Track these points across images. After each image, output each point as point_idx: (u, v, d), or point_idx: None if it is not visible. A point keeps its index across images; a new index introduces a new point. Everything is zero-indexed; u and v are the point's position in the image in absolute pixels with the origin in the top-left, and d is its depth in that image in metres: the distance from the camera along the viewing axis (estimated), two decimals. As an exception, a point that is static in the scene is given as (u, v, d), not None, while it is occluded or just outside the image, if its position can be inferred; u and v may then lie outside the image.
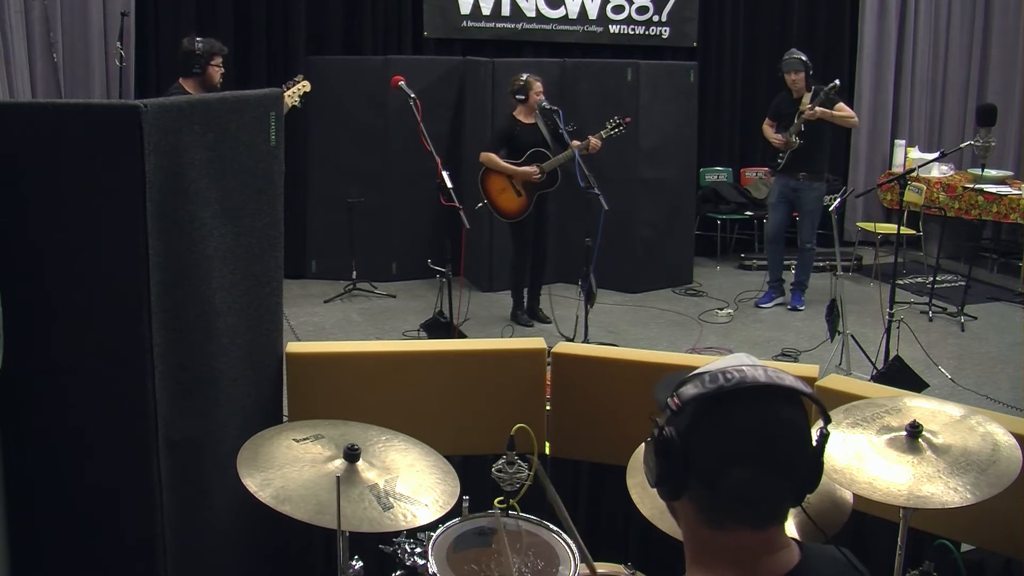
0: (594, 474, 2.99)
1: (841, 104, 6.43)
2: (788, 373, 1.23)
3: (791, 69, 6.48)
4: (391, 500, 2.03)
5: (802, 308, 6.75)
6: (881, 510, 2.30)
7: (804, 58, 6.47)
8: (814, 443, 1.25)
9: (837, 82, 6.32)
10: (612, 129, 5.96)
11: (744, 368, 1.20)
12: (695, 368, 1.28)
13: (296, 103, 5.24)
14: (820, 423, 1.28)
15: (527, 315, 6.45)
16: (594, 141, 5.91)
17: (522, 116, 6.17)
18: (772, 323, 6.57)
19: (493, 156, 6.15)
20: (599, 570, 2.24)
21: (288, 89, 5.26)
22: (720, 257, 8.47)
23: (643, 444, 2.13)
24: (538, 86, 6.08)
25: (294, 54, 7.38)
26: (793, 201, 6.68)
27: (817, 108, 6.30)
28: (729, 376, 1.19)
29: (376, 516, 1.98)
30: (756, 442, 1.19)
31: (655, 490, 1.27)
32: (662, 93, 7.29)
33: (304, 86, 5.36)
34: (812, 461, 1.24)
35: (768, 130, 6.75)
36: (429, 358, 2.98)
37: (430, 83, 7.17)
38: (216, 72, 5.16)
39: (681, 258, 7.69)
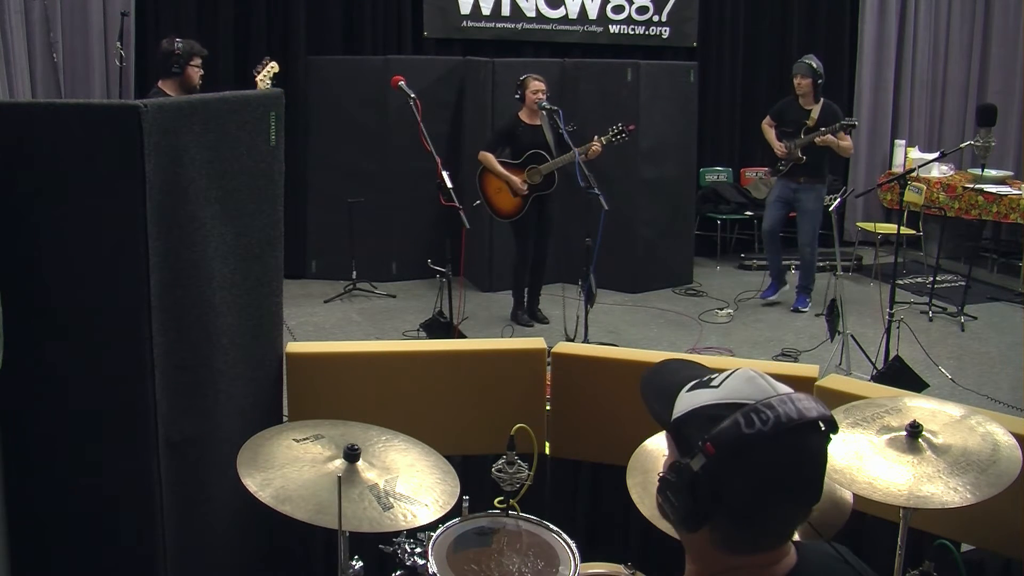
0: (594, 474, 2.99)
1: (844, 133, 6.42)
2: (811, 397, 1.22)
3: (799, 73, 6.45)
4: (391, 500, 2.03)
5: (804, 310, 6.73)
6: (881, 510, 2.30)
7: (815, 65, 6.43)
8: None
9: (855, 123, 6.36)
10: (614, 135, 5.96)
11: (773, 404, 1.18)
12: (685, 361, 1.27)
13: (268, 86, 5.18)
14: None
15: (527, 315, 6.45)
16: (595, 147, 5.90)
17: (525, 116, 6.17)
18: (772, 323, 6.57)
19: (489, 156, 6.15)
20: (599, 570, 2.24)
21: (259, 74, 5.25)
22: (720, 257, 8.47)
23: (643, 444, 2.15)
24: (535, 84, 6.06)
25: (294, 54, 7.37)
26: (791, 202, 6.68)
27: (828, 136, 6.29)
28: (764, 417, 1.16)
29: (376, 516, 1.98)
30: (792, 480, 1.19)
31: (671, 523, 1.26)
32: (662, 93, 7.29)
33: (273, 67, 5.33)
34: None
35: (768, 131, 6.72)
36: (429, 358, 2.98)
37: (430, 83, 7.17)
38: (195, 73, 5.09)
39: (681, 258, 7.69)
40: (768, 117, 6.79)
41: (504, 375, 2.85)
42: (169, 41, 5.11)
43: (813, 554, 1.29)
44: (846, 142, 6.41)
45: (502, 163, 6.15)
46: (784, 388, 1.22)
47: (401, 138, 6.92)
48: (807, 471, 1.20)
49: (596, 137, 5.93)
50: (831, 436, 1.23)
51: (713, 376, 1.27)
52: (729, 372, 1.26)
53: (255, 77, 5.16)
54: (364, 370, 2.85)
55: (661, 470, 1.27)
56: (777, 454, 1.17)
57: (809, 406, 1.19)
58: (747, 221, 8.48)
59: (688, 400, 1.26)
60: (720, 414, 1.19)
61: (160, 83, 5.13)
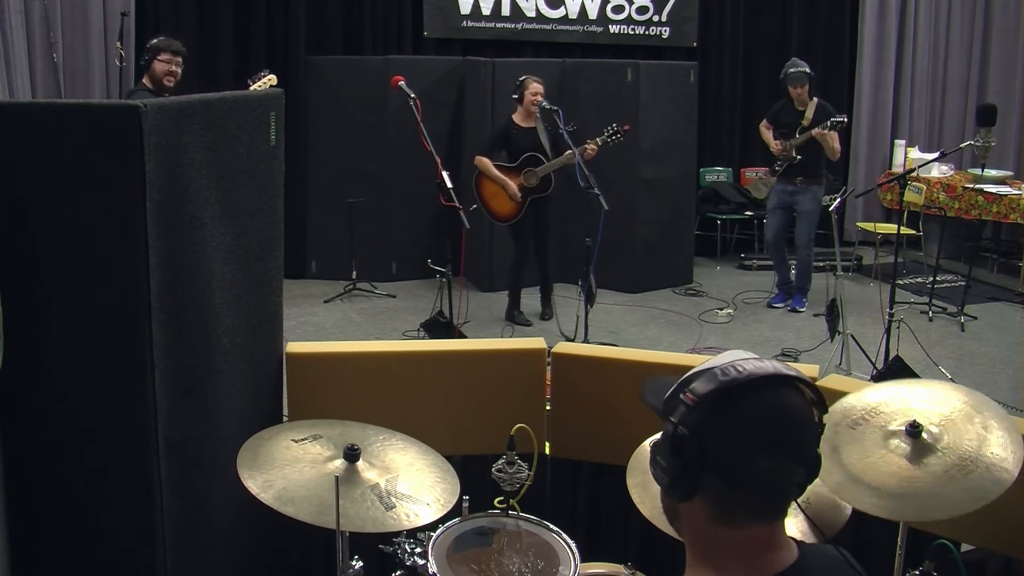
0: (594, 474, 2.99)
1: (835, 134, 6.40)
2: (787, 363, 1.26)
3: (797, 83, 6.45)
4: (393, 500, 2.03)
5: (802, 310, 6.75)
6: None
7: (808, 70, 6.46)
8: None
9: (846, 119, 6.33)
10: (609, 136, 5.96)
11: (750, 361, 1.23)
12: (688, 369, 1.29)
13: None
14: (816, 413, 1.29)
15: (541, 319, 6.44)
16: (590, 148, 5.90)
17: (519, 119, 6.16)
18: (772, 323, 6.58)
19: (486, 161, 6.15)
20: (599, 570, 2.24)
21: (253, 84, 5.30)
22: (720, 257, 8.48)
23: (642, 444, 2.14)
24: (534, 87, 6.06)
25: (294, 54, 7.38)
26: (790, 205, 6.70)
27: (826, 131, 6.27)
28: (740, 369, 1.21)
29: (379, 516, 1.98)
30: (773, 431, 1.21)
31: (665, 492, 1.27)
32: (662, 93, 7.29)
33: (271, 79, 5.39)
34: (817, 450, 1.26)
35: (765, 132, 6.76)
36: (429, 358, 2.98)
37: (430, 83, 7.18)
38: (161, 67, 5.17)
39: (681, 258, 7.69)
40: (765, 120, 6.82)
41: (504, 375, 2.85)
42: (153, 38, 5.35)
43: (816, 553, 1.30)
44: (835, 143, 6.40)
45: (498, 166, 6.15)
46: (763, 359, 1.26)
47: (401, 138, 6.92)
48: (787, 425, 1.22)
49: (587, 140, 5.93)
50: (823, 422, 1.25)
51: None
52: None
53: (249, 87, 5.24)
54: (364, 370, 2.85)
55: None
56: (754, 403, 1.20)
57: (784, 366, 1.23)
58: (747, 221, 8.48)
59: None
60: (699, 374, 1.24)
61: (143, 78, 5.31)
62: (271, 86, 5.32)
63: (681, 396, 1.22)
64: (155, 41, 5.26)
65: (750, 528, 1.23)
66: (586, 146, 5.88)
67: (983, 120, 7.36)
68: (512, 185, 6.10)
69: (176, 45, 5.28)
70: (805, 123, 6.42)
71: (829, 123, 6.26)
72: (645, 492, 2.03)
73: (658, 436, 1.28)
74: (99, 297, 2.10)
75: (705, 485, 1.21)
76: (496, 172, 6.12)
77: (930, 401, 2.09)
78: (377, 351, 3.07)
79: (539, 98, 5.99)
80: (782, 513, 1.25)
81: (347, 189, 7.18)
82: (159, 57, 5.18)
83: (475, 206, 6.23)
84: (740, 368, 1.21)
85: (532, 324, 6.36)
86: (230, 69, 7.09)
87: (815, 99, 6.49)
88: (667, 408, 1.26)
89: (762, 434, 1.20)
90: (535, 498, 2.44)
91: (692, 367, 1.31)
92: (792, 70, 6.49)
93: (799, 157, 6.47)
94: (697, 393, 1.21)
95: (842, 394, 2.39)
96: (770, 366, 1.22)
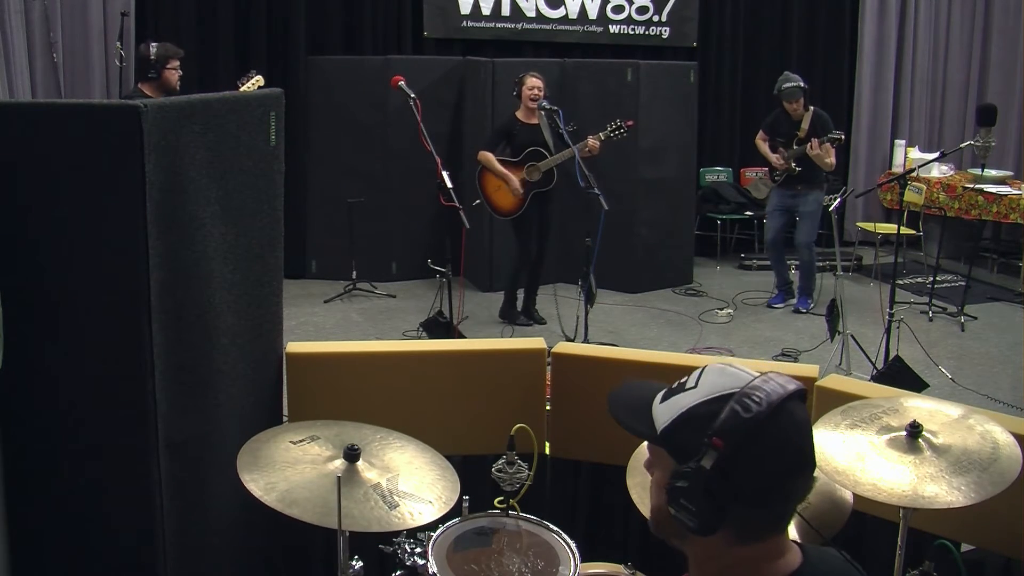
0: (594, 474, 2.99)
1: (831, 148, 6.39)
2: (781, 374, 1.25)
3: (792, 98, 6.43)
4: (396, 498, 2.02)
5: (805, 311, 6.74)
6: (881, 510, 2.29)
7: (802, 83, 6.45)
8: None
9: (842, 136, 6.33)
10: (612, 131, 5.96)
11: (759, 385, 1.21)
12: (688, 370, 1.27)
13: None
14: None
15: (523, 315, 6.44)
16: (592, 142, 5.90)
17: (522, 115, 6.17)
18: (772, 323, 6.57)
19: (489, 155, 6.15)
20: (599, 570, 2.24)
21: (242, 85, 5.31)
22: (720, 257, 8.48)
23: (643, 444, 2.14)
24: (530, 81, 6.05)
25: (294, 54, 7.38)
26: (791, 209, 6.71)
27: (822, 147, 6.26)
28: (758, 400, 1.19)
29: (383, 515, 1.98)
30: (796, 451, 1.22)
31: (691, 532, 1.23)
32: (662, 93, 7.29)
33: (258, 80, 5.40)
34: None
35: (762, 145, 6.77)
36: (429, 358, 2.98)
37: (430, 83, 7.18)
38: (172, 75, 5.23)
39: (681, 258, 7.69)
40: (761, 132, 6.82)
41: (504, 375, 2.85)
42: (145, 46, 5.29)
43: (818, 557, 1.30)
44: (830, 158, 6.39)
45: (501, 161, 6.15)
46: (753, 371, 1.25)
47: (401, 138, 6.92)
48: (803, 439, 1.23)
49: (590, 136, 5.92)
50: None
51: (683, 380, 1.27)
52: (698, 371, 1.27)
53: (238, 88, 5.25)
54: (364, 370, 2.85)
55: (665, 483, 1.24)
56: (777, 431, 1.19)
57: (786, 380, 1.23)
58: (747, 221, 8.48)
59: (669, 408, 1.26)
60: (713, 409, 1.20)
61: (139, 85, 5.29)
62: (259, 86, 5.34)
63: (706, 441, 1.19)
64: (155, 49, 5.21)
65: (764, 543, 1.23)
66: (588, 140, 5.88)
67: (983, 120, 7.36)
68: (514, 179, 6.10)
69: (175, 49, 5.30)
70: (801, 134, 6.44)
71: (825, 138, 6.26)
72: (645, 492, 2.02)
73: (670, 480, 1.23)
74: (99, 297, 2.10)
75: (731, 516, 1.20)
76: (499, 166, 6.12)
77: (927, 412, 2.10)
78: (377, 351, 3.07)
79: (535, 92, 6.00)
80: (791, 520, 1.26)
81: (347, 189, 7.19)
82: (168, 66, 5.18)
83: (478, 201, 6.24)
84: (758, 399, 1.19)
85: (531, 324, 6.35)
86: (230, 69, 7.09)
87: (811, 109, 6.50)
88: (681, 454, 1.22)
89: (789, 458, 1.21)
90: (535, 498, 2.44)
91: (692, 367, 1.30)
92: (786, 85, 6.47)
93: (799, 169, 6.48)
94: (725, 436, 1.18)
95: (842, 394, 2.40)
96: (778, 386, 1.21)
